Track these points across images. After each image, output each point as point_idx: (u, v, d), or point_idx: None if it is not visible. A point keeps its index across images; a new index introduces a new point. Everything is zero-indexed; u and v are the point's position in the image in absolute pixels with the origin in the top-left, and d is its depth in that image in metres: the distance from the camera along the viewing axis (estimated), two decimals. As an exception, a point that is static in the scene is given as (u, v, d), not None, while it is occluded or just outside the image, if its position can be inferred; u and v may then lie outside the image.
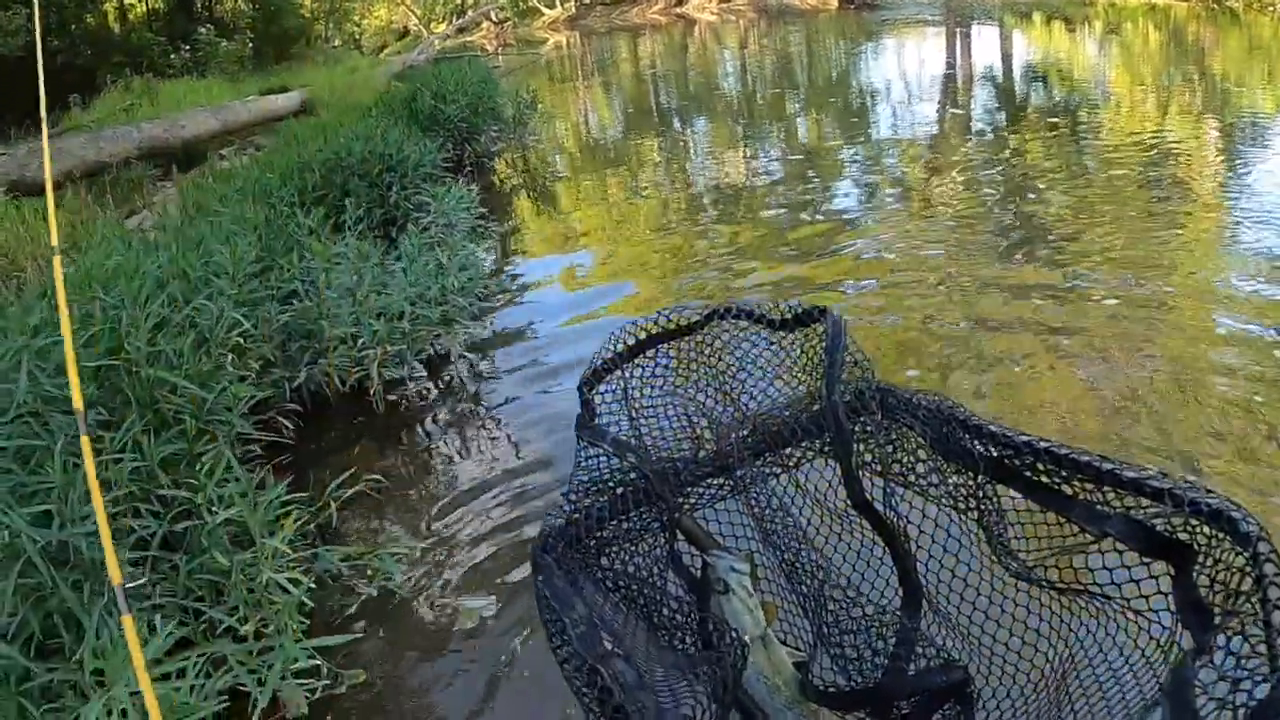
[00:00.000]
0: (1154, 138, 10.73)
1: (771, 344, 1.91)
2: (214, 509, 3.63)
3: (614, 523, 1.61)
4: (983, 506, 1.45)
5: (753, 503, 1.91)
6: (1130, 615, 1.33)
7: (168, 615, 3.38)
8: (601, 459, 1.74)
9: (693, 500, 1.82)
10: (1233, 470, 4.28)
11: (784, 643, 1.69)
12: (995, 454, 1.42)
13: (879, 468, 1.61)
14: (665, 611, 1.54)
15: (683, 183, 11.75)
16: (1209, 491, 1.20)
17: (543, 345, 6.85)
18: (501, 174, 13.20)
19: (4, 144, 10.97)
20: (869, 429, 1.59)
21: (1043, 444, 1.36)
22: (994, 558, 1.49)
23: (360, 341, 5.74)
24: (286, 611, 3.50)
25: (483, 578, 4.19)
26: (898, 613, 1.65)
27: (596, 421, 1.92)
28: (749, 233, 9.11)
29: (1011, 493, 1.44)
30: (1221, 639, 1.09)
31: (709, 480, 1.78)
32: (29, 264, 7.51)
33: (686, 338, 1.99)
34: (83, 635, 3.09)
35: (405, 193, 8.64)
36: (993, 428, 1.43)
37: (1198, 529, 1.20)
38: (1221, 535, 1.16)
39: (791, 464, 1.78)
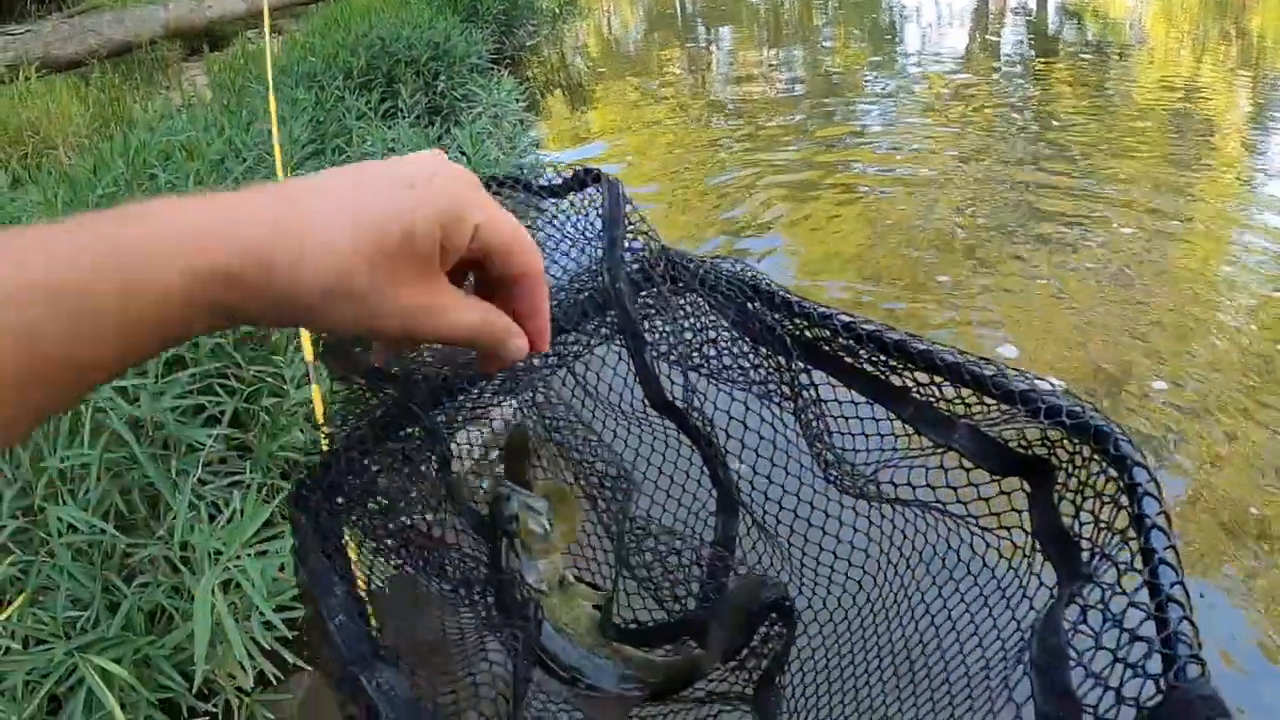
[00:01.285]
0: (1185, 84, 10.41)
1: (554, 218, 1.56)
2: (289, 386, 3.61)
3: (377, 456, 1.29)
4: (799, 399, 1.18)
5: (538, 410, 1.58)
6: (981, 535, 1.08)
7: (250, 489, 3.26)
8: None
9: (463, 415, 1.46)
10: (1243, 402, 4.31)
11: (581, 579, 1.36)
12: (810, 336, 1.15)
13: (676, 358, 1.31)
14: (450, 567, 1.31)
15: (712, 86, 11.56)
16: (1076, 399, 0.94)
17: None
18: (537, 69, 12.88)
19: (29, 21, 10.63)
20: (660, 311, 1.32)
21: (868, 325, 1.08)
22: (815, 462, 1.22)
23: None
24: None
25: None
26: (711, 528, 1.41)
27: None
28: (775, 138, 8.96)
29: (837, 385, 1.17)
30: (1089, 586, 0.84)
31: (479, 384, 1.43)
32: (61, 142, 7.28)
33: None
34: (160, 513, 3.07)
35: (452, 82, 8.34)
36: (805, 304, 1.16)
37: (1058, 444, 0.95)
38: (1089, 454, 0.91)
39: (572, 356, 1.42)
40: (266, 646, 2.77)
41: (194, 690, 2.65)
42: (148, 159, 5.09)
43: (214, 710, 2.82)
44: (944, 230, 6.45)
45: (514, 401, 1.50)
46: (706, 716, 1.30)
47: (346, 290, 0.58)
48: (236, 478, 3.30)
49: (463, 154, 6.33)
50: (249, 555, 2.75)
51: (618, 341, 1.32)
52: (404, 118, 6.99)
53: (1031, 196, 7.02)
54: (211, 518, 2.98)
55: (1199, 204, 6.79)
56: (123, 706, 2.50)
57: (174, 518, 2.91)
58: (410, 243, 0.59)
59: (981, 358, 1.01)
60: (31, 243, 0.50)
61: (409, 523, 1.25)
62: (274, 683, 2.86)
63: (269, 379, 3.61)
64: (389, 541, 1.25)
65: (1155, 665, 0.69)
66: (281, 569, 2.91)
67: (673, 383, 1.31)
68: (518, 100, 8.25)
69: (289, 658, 2.90)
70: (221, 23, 12.39)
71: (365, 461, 1.17)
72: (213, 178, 4.90)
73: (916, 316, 5.30)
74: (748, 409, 1.28)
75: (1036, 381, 0.96)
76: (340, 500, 1.14)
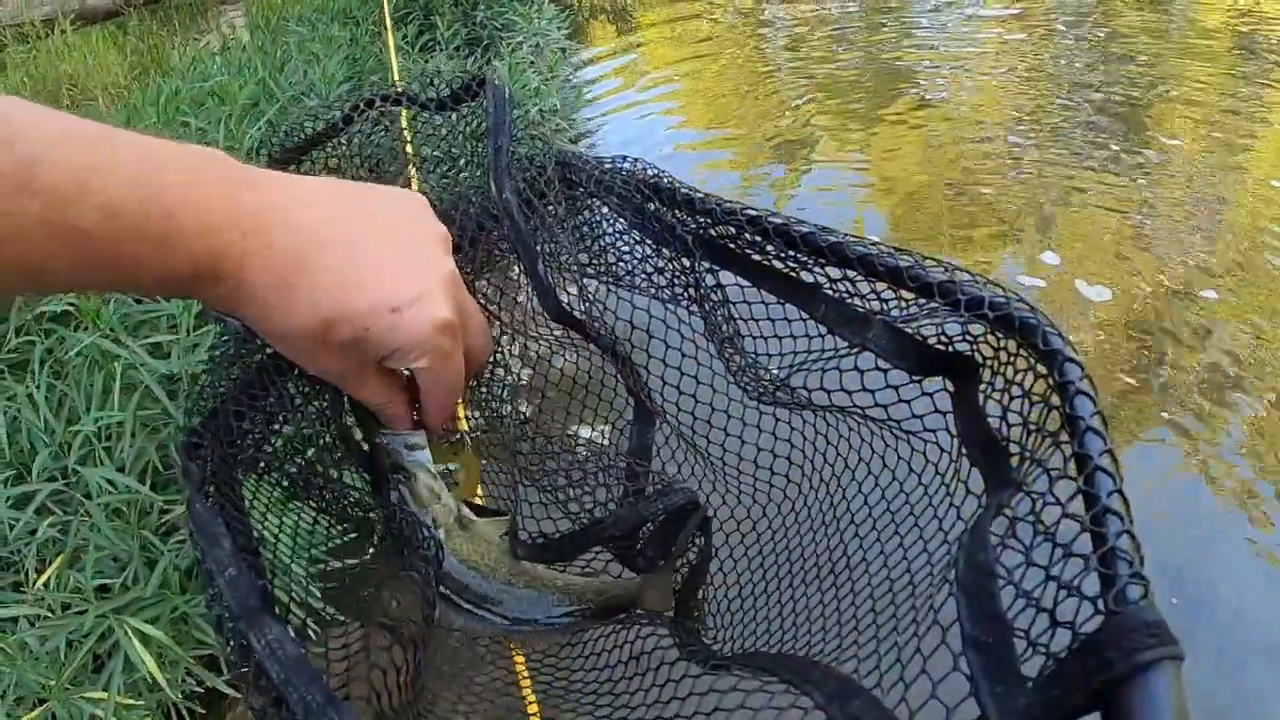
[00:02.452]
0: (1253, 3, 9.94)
1: (446, 134, 1.43)
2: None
3: (266, 400, 1.12)
4: (705, 303, 1.09)
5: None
6: (907, 440, 0.97)
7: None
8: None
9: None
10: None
11: (484, 509, 1.22)
12: (715, 233, 1.06)
13: (575, 267, 1.23)
14: (346, 511, 1.20)
15: (759, 24, 11.12)
16: (997, 287, 0.81)
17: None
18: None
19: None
20: (556, 220, 1.22)
21: (775, 219, 0.98)
22: (725, 369, 1.12)
23: (461, 163, 5.37)
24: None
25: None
26: (625, 439, 1.30)
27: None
28: (827, 57, 8.82)
29: (746, 285, 1.06)
30: (1019, 495, 0.73)
31: None
32: (100, 93, 7.21)
33: (341, 140, 1.44)
34: None
35: (491, 12, 8.15)
36: (709, 200, 1.06)
37: (982, 339, 0.83)
38: (1015, 349, 0.79)
39: (471, 275, 1.24)
40: (305, 601, 2.70)
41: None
42: (180, 106, 5.00)
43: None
44: (1003, 151, 6.29)
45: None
46: (618, 631, 1.20)
47: (293, 348, 0.76)
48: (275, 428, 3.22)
49: (502, 85, 6.17)
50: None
51: (513, 256, 1.23)
52: (442, 50, 6.83)
53: (1092, 117, 6.81)
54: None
55: (1269, 126, 6.55)
56: (161, 665, 2.46)
57: (210, 472, 2.84)
58: (355, 344, 0.75)
59: (899, 249, 0.89)
60: (105, 156, 0.60)
61: (304, 465, 1.15)
62: (313, 637, 2.79)
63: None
64: (286, 485, 1.14)
65: (1093, 585, 0.59)
66: (315, 523, 2.82)
67: (569, 294, 1.22)
68: (559, 28, 8.07)
69: (328, 612, 2.82)
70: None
71: (257, 404, 1.07)
72: (245, 121, 4.80)
73: (975, 239, 5.15)
74: (650, 316, 1.19)
75: (959, 273, 0.84)
76: (233, 445, 1.04)
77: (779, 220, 0.98)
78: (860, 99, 7.67)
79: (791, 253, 0.98)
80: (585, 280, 1.22)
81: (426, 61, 6.35)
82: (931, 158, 6.43)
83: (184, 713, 2.65)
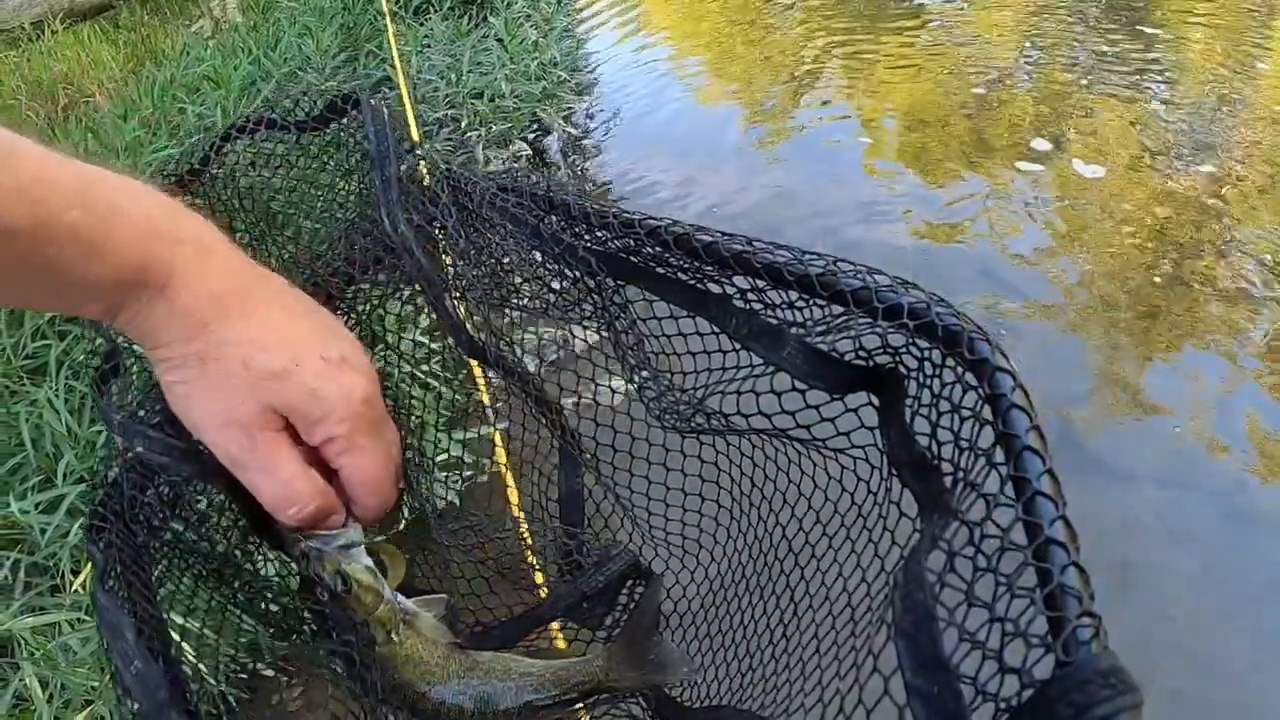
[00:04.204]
0: None
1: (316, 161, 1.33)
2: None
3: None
4: (613, 323, 1.02)
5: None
6: (835, 460, 0.89)
7: None
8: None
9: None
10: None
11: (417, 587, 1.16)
12: (615, 247, 0.98)
13: (478, 296, 1.15)
14: (265, 607, 1.14)
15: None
16: (918, 291, 0.73)
17: (638, 117, 6.44)
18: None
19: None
20: (455, 245, 1.15)
21: (676, 229, 0.89)
22: (635, 392, 1.05)
23: (463, 124, 5.31)
24: (430, 404, 3.28)
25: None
26: (555, 484, 1.27)
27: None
28: (827, 9, 8.46)
29: (654, 300, 0.98)
30: (955, 525, 0.65)
31: None
32: (97, 90, 7.16)
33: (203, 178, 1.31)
34: None
35: (486, -32, 8.06)
36: (606, 212, 0.97)
37: (903, 349, 0.75)
38: (941, 359, 0.71)
39: (366, 310, 1.23)
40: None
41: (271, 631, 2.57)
42: (175, 94, 4.94)
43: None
44: (1012, 64, 6.23)
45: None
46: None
47: (201, 388, 0.73)
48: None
49: (499, 42, 6.09)
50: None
51: (414, 288, 1.16)
52: (435, 11, 6.74)
53: (1103, 46, 6.65)
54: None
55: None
56: (201, 656, 2.45)
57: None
58: (276, 381, 0.73)
59: (810, 252, 0.82)
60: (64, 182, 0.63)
61: (215, 553, 1.09)
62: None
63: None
64: (199, 570, 1.09)
65: (1041, 625, 0.54)
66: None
67: (477, 326, 1.16)
68: (555, -20, 7.97)
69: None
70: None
71: (164, 479, 1.00)
72: (243, 103, 4.74)
73: (989, 170, 5.07)
74: (560, 345, 1.12)
75: (875, 276, 0.77)
76: (140, 524, 0.97)
77: (680, 230, 0.90)
78: (866, 24, 7.52)
79: (696, 264, 0.90)
80: (492, 310, 1.16)
81: (421, 24, 6.25)
82: (940, 76, 6.35)
83: (230, 699, 2.65)
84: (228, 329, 0.72)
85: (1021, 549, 0.57)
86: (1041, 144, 5.24)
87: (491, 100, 5.46)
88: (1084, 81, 5.99)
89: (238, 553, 1.08)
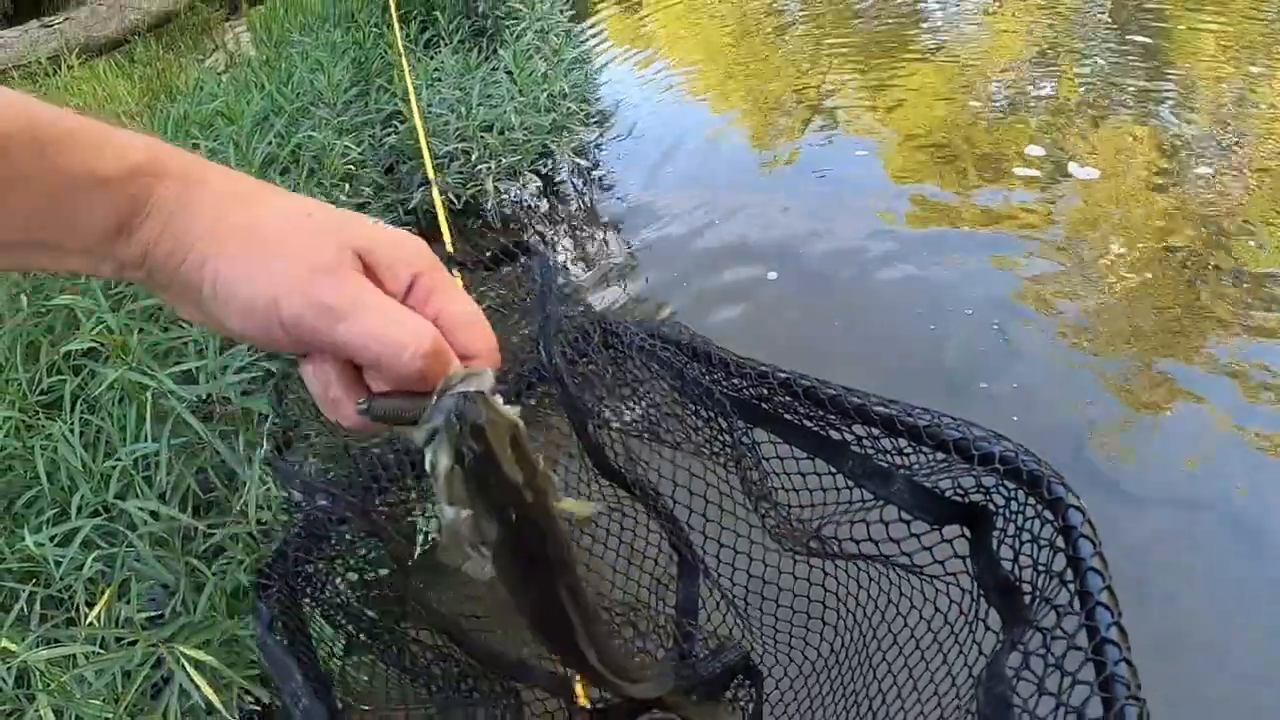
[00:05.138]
0: None
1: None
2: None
3: (332, 541, 1.33)
4: (741, 460, 1.17)
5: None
6: (931, 584, 1.09)
7: (318, 454, 3.22)
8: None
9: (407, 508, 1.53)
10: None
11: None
12: (748, 394, 1.15)
13: (619, 425, 1.33)
14: (409, 657, 1.30)
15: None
16: (1007, 442, 0.94)
17: (647, 147, 6.54)
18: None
19: (68, 9, 10.62)
20: (600, 379, 1.34)
21: (804, 381, 1.08)
22: (760, 522, 1.22)
23: (474, 157, 5.37)
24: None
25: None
26: (674, 592, 1.44)
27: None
28: (836, 28, 8.61)
29: (778, 442, 1.17)
30: (1030, 631, 0.85)
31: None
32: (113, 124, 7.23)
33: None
34: (236, 488, 3.06)
35: (493, 2, 8.11)
36: (744, 363, 1.14)
37: (994, 489, 0.95)
38: (1025, 499, 0.90)
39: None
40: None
41: (286, 665, 2.60)
42: (189, 130, 5.01)
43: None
44: (1022, 88, 6.28)
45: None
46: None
47: (261, 275, 0.64)
48: (308, 442, 3.26)
49: (508, 74, 6.16)
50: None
51: (561, 414, 1.33)
52: (446, 45, 6.81)
53: (1112, 59, 6.71)
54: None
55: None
56: (216, 688, 2.49)
57: (249, 492, 2.88)
58: (346, 262, 0.65)
59: (919, 407, 1.01)
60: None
61: (367, 610, 1.26)
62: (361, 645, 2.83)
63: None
64: (350, 628, 1.21)
65: (1096, 708, 0.69)
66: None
67: (615, 452, 1.33)
68: (563, 10, 8.03)
69: (373, 617, 2.83)
70: (259, -25, 12.28)
71: (322, 546, 1.16)
72: (255, 137, 4.81)
73: (998, 190, 5.11)
74: (692, 474, 1.30)
75: (972, 429, 0.96)
76: (301, 583, 1.11)
77: (808, 383, 1.07)
78: (876, 46, 7.60)
79: (820, 412, 1.07)
80: (630, 438, 1.31)
81: (432, 58, 6.33)
82: (953, 98, 6.40)
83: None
84: (272, 200, 0.67)
85: (1083, 648, 0.72)
86: (1050, 162, 5.31)
87: (501, 133, 5.52)
88: (1094, 97, 6.06)
89: (387, 613, 1.19)
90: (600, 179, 6.07)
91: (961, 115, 6.09)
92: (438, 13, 7.57)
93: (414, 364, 0.63)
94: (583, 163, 6.14)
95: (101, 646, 2.57)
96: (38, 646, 2.55)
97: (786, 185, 5.63)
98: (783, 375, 1.09)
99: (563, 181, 6.03)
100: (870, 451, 1.04)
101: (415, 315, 0.66)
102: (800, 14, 9.03)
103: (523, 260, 1.43)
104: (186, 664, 2.43)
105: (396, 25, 6.38)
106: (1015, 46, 7.24)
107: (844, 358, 4.11)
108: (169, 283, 0.65)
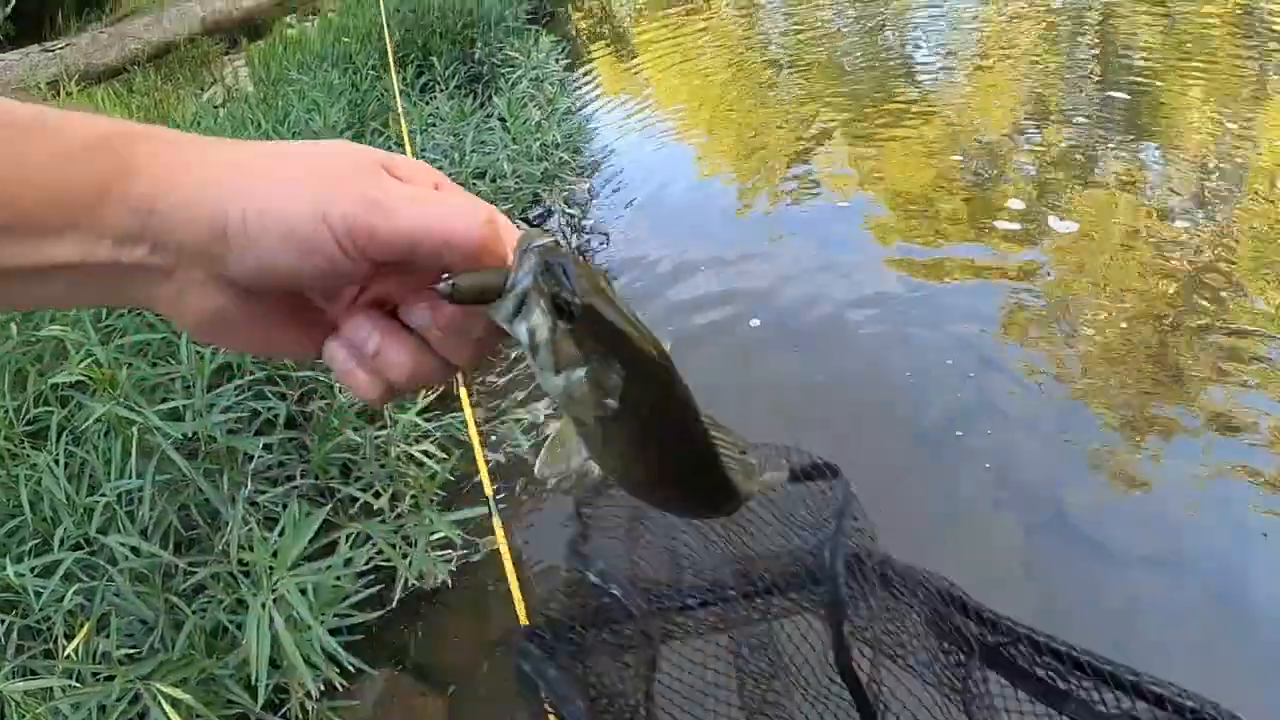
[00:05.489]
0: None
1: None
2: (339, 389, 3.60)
3: (594, 630, 1.47)
4: (970, 692, 1.31)
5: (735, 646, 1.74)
6: None
7: (304, 495, 3.36)
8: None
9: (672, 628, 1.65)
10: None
11: None
12: (990, 639, 1.32)
13: (869, 637, 1.51)
14: None
15: (762, 29, 11.25)
16: (1218, 707, 1.09)
17: (636, 197, 6.64)
18: (579, 23, 12.65)
19: (69, 35, 10.69)
20: (865, 597, 1.52)
21: (1041, 636, 1.24)
22: None
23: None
24: (424, 484, 3.49)
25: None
26: None
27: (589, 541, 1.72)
28: (828, 71, 8.83)
29: (1001, 680, 1.31)
30: None
31: (692, 611, 1.65)
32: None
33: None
34: (219, 527, 3.07)
35: (489, 48, 8.23)
36: (989, 612, 1.33)
37: None
38: None
39: (775, 613, 1.66)
40: (329, 651, 2.78)
41: (260, 704, 2.64)
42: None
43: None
44: (1009, 143, 6.35)
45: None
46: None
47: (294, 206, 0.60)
48: (292, 483, 3.30)
49: (502, 122, 6.24)
50: (298, 572, 2.76)
51: (820, 613, 1.53)
52: (441, 90, 6.90)
53: (1101, 114, 6.82)
54: (271, 522, 2.99)
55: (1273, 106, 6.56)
56: (192, 726, 2.51)
57: (231, 532, 2.90)
58: (384, 163, 0.65)
59: (1153, 679, 1.14)
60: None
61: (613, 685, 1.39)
62: (340, 690, 2.87)
63: (320, 380, 3.61)
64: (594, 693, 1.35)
65: None
66: (338, 579, 2.90)
67: (857, 657, 1.47)
68: (557, 60, 8.13)
69: (352, 665, 2.89)
70: (258, 11, 12.37)
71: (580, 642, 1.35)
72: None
73: (982, 246, 5.19)
74: (919, 698, 1.39)
75: (1212, 708, 1.08)
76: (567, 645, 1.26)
77: (1042, 638, 1.22)
78: (866, 104, 7.71)
79: (1056, 664, 1.20)
80: (877, 652, 1.45)
81: (427, 103, 6.41)
82: (938, 152, 6.52)
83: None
84: (268, 143, 0.64)
85: None
86: (1031, 217, 5.40)
87: (494, 180, 5.60)
88: (1078, 153, 6.17)
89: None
90: (588, 227, 6.13)
91: (946, 169, 6.19)
92: (434, 58, 7.68)
93: (481, 230, 0.62)
94: (573, 212, 6.21)
95: (78, 680, 2.58)
96: (14, 677, 2.57)
97: (771, 235, 5.73)
98: (1024, 629, 1.24)
99: (552, 230, 6.10)
100: (1092, 701, 1.17)
101: (461, 194, 0.66)
102: (790, 66, 9.16)
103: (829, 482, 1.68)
104: (164, 701, 2.45)
105: (394, 70, 6.46)
106: (1002, 102, 7.35)
107: (824, 404, 4.20)
108: (177, 245, 0.59)
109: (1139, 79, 7.40)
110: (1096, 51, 8.34)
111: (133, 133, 0.59)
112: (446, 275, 0.63)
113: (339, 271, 0.61)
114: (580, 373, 0.65)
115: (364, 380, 0.68)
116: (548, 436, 0.72)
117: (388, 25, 7.50)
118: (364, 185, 0.61)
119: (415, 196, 0.62)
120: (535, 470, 0.74)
